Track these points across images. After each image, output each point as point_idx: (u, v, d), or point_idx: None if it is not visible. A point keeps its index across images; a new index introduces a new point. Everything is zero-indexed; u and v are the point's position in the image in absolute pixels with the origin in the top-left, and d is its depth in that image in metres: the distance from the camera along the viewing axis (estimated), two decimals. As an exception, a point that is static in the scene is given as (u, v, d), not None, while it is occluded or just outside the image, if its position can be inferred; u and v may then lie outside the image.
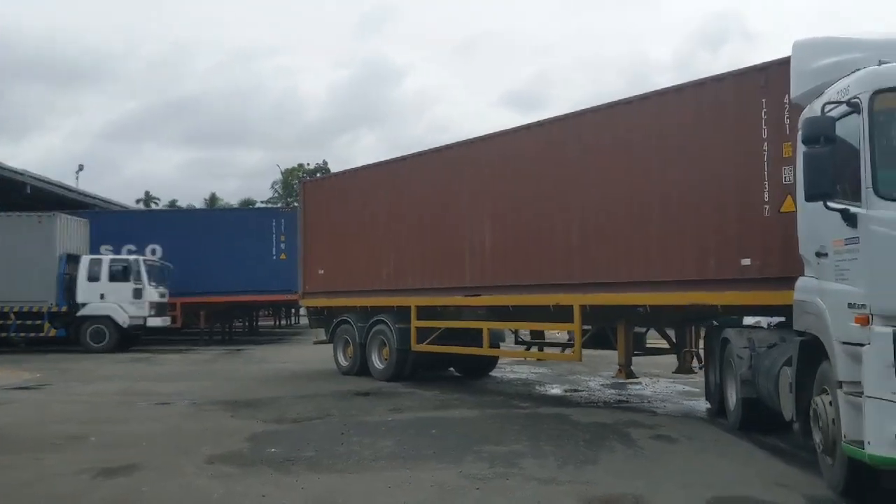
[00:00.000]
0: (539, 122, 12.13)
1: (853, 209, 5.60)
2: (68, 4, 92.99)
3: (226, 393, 12.74)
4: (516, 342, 14.55)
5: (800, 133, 6.49)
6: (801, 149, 6.38)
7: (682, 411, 10.76)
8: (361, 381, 13.90)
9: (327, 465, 7.24)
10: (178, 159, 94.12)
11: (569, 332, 12.29)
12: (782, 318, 8.75)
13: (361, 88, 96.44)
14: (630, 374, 11.37)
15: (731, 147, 9.03)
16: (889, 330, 5.27)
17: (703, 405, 10.97)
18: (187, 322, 27.25)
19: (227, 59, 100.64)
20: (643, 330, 11.99)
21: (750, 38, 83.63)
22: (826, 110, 5.89)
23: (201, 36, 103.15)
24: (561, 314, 11.22)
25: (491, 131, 12.94)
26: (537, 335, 14.00)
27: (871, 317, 5.39)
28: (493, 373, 15.65)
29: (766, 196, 8.56)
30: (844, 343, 5.67)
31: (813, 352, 6.40)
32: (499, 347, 14.07)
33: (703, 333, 11.25)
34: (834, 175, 5.68)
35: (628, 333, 11.06)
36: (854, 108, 5.66)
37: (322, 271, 15.86)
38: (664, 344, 12.17)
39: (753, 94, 8.77)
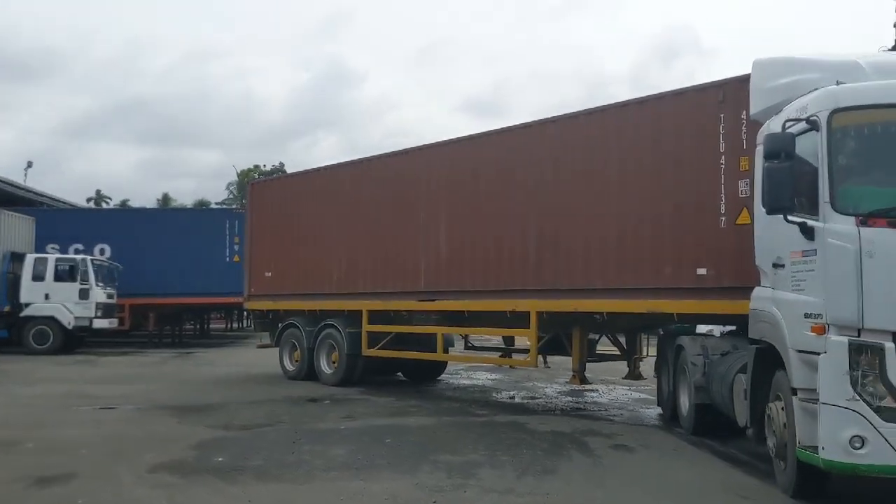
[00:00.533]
0: (499, 129, 12.10)
1: (811, 222, 5.78)
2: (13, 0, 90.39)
3: (172, 397, 12.33)
4: (466, 347, 14.40)
5: (759, 148, 6.76)
6: (760, 163, 6.64)
7: (638, 419, 10.66)
8: (313, 387, 13.58)
9: (276, 475, 6.94)
10: (132, 159, 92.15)
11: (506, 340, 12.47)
12: (733, 327, 9.13)
13: (320, 91, 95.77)
14: (584, 380, 11.50)
15: (690, 160, 9.19)
16: (844, 339, 5.44)
17: (658, 413, 10.94)
18: (136, 324, 26.51)
19: (183, 58, 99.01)
20: (595, 337, 12.08)
21: (703, 54, 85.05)
22: (786, 127, 6.00)
23: (158, 34, 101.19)
24: (517, 320, 11.21)
25: (448, 137, 12.87)
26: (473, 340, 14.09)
27: (827, 326, 5.56)
28: (451, 379, 15.47)
29: (723, 208, 8.75)
30: (800, 351, 5.85)
31: (768, 359, 6.55)
32: (447, 352, 13.92)
33: (649, 341, 11.51)
34: (793, 189, 5.85)
35: (583, 340, 11.16)
36: (813, 125, 5.86)
37: (269, 274, 15.60)
38: (615, 350, 12.32)
39: (712, 109, 8.94)
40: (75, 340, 22.59)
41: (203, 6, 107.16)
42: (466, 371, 16.83)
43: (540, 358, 13.83)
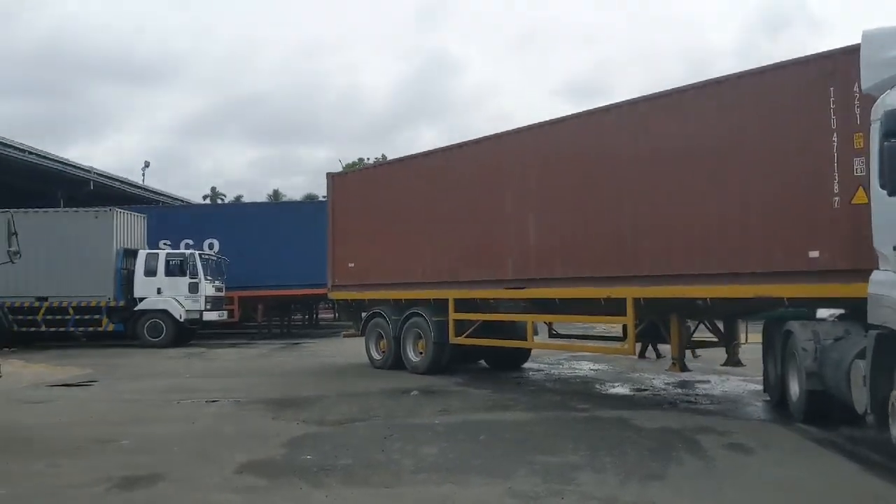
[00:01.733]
0: (589, 110, 11.69)
1: None
2: (133, 4, 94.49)
3: (272, 390, 12.30)
4: (550, 335, 14.09)
5: (875, 125, 6.52)
6: (876, 140, 6.41)
7: (754, 414, 9.81)
8: (408, 378, 13.38)
9: (362, 478, 6.60)
10: (246, 156, 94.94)
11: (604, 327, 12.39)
12: (843, 311, 8.75)
13: (421, 82, 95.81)
14: (684, 368, 11.10)
15: (798, 137, 8.79)
16: None
17: (766, 400, 10.35)
18: (245, 316, 27.20)
19: (290, 55, 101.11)
20: (693, 323, 11.72)
21: (814, 24, 79.70)
22: None
23: (265, 33, 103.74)
24: (611, 307, 10.92)
25: (538, 120, 12.47)
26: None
27: None
28: (552, 370, 14.92)
29: (836, 188, 8.36)
30: None
31: (889, 345, 6.29)
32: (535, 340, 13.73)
33: (748, 327, 11.27)
34: None
35: (681, 327, 10.90)
36: None
37: (352, 265, 15.65)
38: (712, 337, 11.88)
39: (820, 83, 8.52)
40: (188, 333, 23.22)
41: (307, 4, 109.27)
42: (568, 361, 16.19)
43: (649, 347, 13.30)
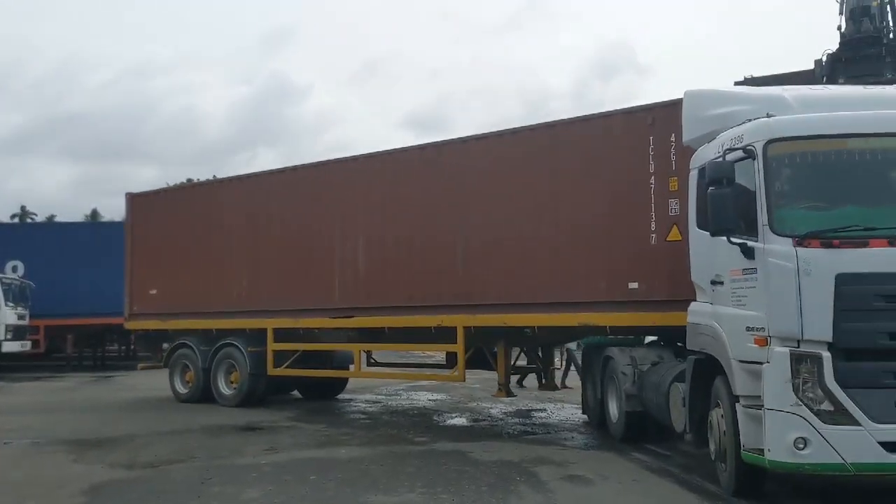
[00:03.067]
0: (423, 144, 11.93)
1: (751, 243, 6.21)
2: None
3: (77, 429, 11.05)
4: (368, 364, 13.82)
5: (693, 172, 7.47)
6: (694, 186, 7.39)
7: (591, 443, 9.76)
8: (236, 413, 12.51)
9: (173, 529, 5.83)
10: (64, 175, 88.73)
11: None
12: (654, 338, 9.92)
13: (260, 107, 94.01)
14: (509, 393, 11.53)
15: (620, 180, 9.51)
16: (786, 350, 5.87)
17: (585, 420, 10.84)
18: (54, 347, 24.70)
19: (121, 74, 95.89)
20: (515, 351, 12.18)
21: (640, 70, 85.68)
22: (725, 156, 6.46)
23: (96, 50, 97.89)
24: (441, 335, 11.10)
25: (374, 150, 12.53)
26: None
27: (769, 338, 5.99)
28: (390, 401, 14.46)
29: (654, 226, 9.17)
30: (742, 361, 6.30)
31: (705, 369, 7.06)
32: (348, 369, 13.86)
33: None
34: (733, 213, 6.27)
35: (508, 354, 11.34)
36: (749, 154, 6.32)
37: (154, 291, 14.67)
38: (527, 363, 12.61)
39: (642, 132, 9.32)
40: (-16, 366, 20.83)
41: (143, 21, 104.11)
42: (406, 392, 15.80)
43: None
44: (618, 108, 9.93)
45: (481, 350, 11.37)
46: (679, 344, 8.42)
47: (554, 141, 10.21)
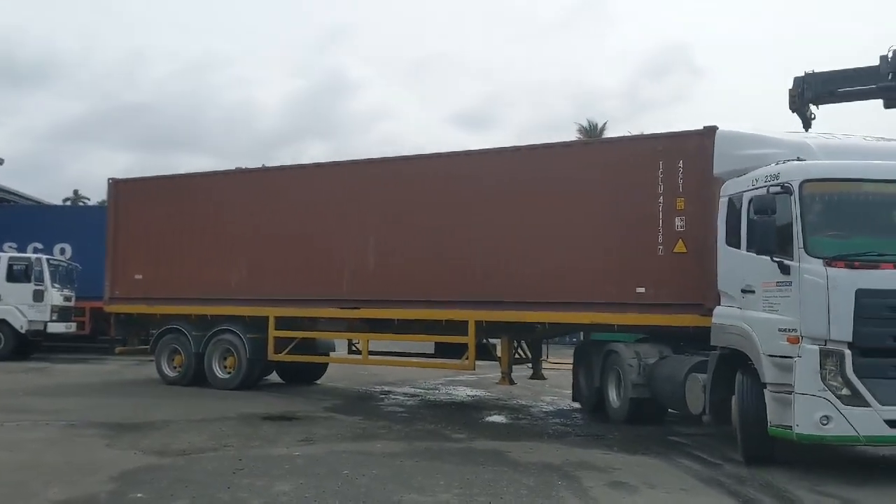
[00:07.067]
0: (445, 153, 12.77)
1: (787, 262, 7.62)
2: (22, 5, 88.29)
3: (114, 413, 10.97)
4: (349, 352, 14.51)
5: (724, 199, 8.90)
6: (723, 211, 8.87)
7: (638, 447, 9.28)
8: (272, 401, 12.47)
9: (198, 522, 5.63)
10: (120, 163, 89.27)
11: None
12: (645, 336, 10.97)
13: (314, 100, 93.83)
14: (512, 381, 12.31)
15: (633, 197, 10.62)
16: (816, 347, 7.32)
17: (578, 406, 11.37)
18: (100, 329, 24.91)
19: (182, 67, 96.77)
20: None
21: (695, 71, 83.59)
22: (770, 191, 7.85)
23: (158, 43, 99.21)
24: (450, 327, 11.99)
25: (426, 151, 13.61)
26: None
27: (801, 338, 7.41)
28: (429, 395, 14.21)
29: (661, 239, 10.33)
30: (771, 356, 7.68)
31: (727, 363, 8.51)
32: (328, 355, 14.94)
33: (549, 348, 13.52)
34: (774, 237, 7.72)
35: (511, 346, 12.23)
36: (786, 190, 7.76)
37: (140, 276, 14.87)
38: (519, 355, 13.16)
39: (652, 157, 10.50)
40: (31, 346, 21.08)
41: (203, 17, 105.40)
42: (445, 386, 15.53)
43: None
44: (634, 133, 11.48)
45: (486, 342, 12.51)
46: (681, 343, 10.27)
47: (570, 159, 11.52)
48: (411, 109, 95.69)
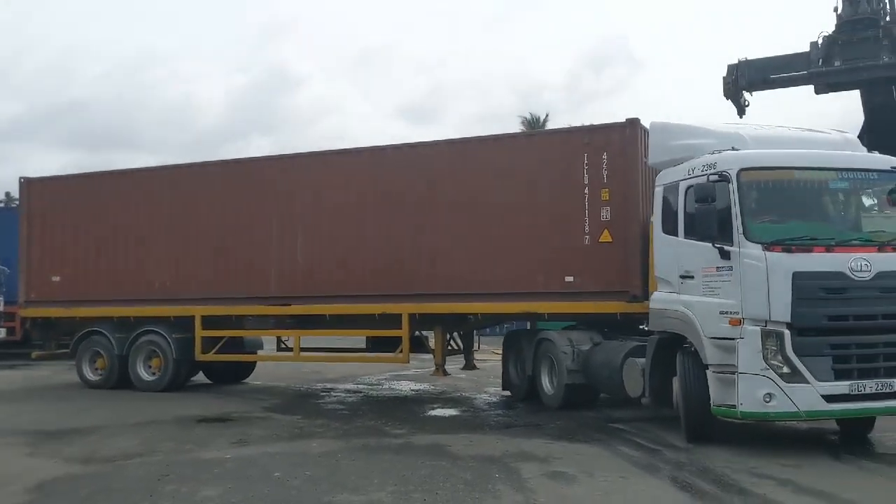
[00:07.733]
0: (376, 146, 12.66)
1: (727, 247, 7.87)
2: None
3: (42, 419, 10.59)
4: (278, 349, 14.30)
5: (659, 189, 9.21)
6: (659, 200, 9.17)
7: (581, 435, 9.21)
8: (208, 401, 12.21)
9: (115, 534, 5.34)
10: (57, 163, 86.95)
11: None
12: (573, 323, 11.36)
13: (257, 96, 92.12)
14: (445, 373, 12.64)
15: (559, 189, 10.89)
16: (757, 328, 7.61)
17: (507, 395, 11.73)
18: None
19: (118, 64, 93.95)
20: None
21: (635, 64, 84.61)
22: (710, 179, 8.01)
23: (95, 41, 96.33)
24: (384, 321, 11.94)
25: (366, 144, 12.99)
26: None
27: (742, 320, 7.68)
28: (372, 391, 13.98)
29: (587, 228, 10.62)
30: (713, 338, 7.93)
31: (667, 345, 8.74)
32: (256, 353, 14.72)
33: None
34: (714, 223, 7.91)
35: (444, 338, 12.36)
36: (724, 178, 7.99)
37: (57, 279, 14.35)
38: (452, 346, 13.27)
39: (578, 150, 10.78)
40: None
41: (142, 14, 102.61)
42: (388, 381, 15.31)
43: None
44: (557, 127, 11.79)
45: (419, 335, 12.53)
46: (606, 329, 10.68)
47: (500, 152, 11.58)
48: (355, 103, 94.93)
